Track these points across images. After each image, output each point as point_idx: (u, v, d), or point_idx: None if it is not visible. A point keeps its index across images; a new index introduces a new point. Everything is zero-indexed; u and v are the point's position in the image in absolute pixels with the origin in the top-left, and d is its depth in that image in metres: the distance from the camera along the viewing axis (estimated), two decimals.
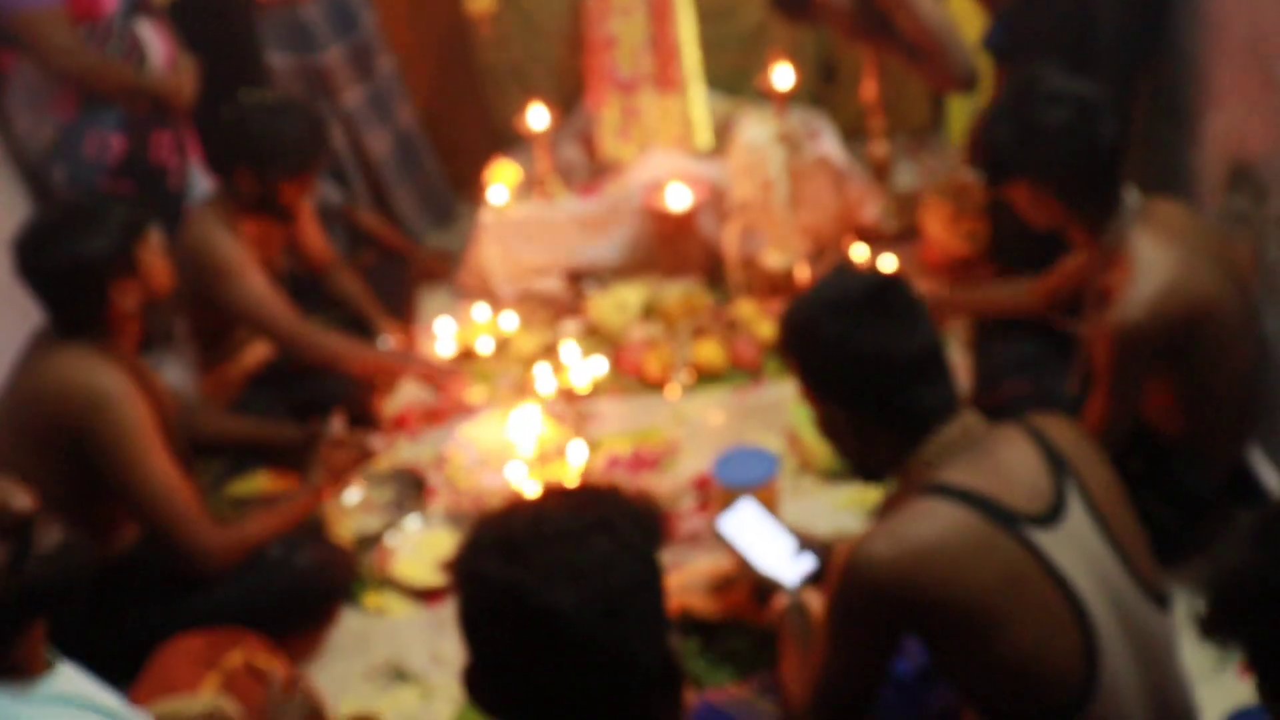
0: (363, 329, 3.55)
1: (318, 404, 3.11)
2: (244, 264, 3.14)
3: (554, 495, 1.38)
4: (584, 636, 1.27)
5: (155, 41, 3.45)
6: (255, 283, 3.16)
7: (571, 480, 3.06)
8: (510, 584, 1.28)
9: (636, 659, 1.29)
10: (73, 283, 2.46)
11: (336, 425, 2.98)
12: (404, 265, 4.12)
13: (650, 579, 1.34)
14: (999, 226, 3.35)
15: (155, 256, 2.57)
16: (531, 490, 1.29)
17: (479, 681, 1.36)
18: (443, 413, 3.53)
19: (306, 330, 3.24)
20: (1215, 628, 1.33)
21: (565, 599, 1.26)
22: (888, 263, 3.65)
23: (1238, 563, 1.30)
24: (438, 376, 3.47)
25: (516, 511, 1.36)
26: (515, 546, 1.30)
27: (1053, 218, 2.41)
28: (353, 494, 3.14)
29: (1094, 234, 2.38)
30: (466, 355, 3.76)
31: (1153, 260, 2.27)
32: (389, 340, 3.55)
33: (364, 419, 3.41)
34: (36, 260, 2.46)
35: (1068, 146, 2.29)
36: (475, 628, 1.34)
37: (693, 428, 3.32)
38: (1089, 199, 2.35)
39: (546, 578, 1.27)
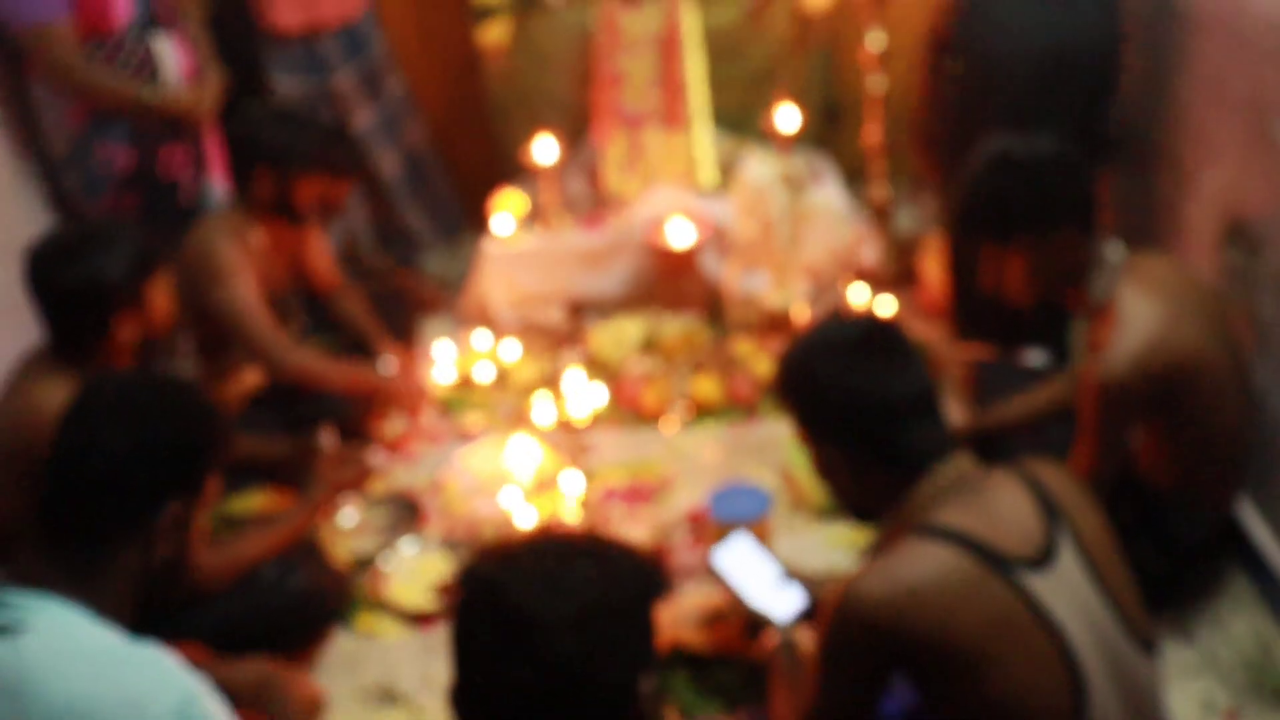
0: (365, 352, 3.56)
1: (314, 423, 3.10)
2: (236, 268, 3.12)
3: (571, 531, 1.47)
4: (549, 643, 1.32)
5: (173, 55, 3.42)
6: (242, 288, 3.13)
7: (569, 511, 3.08)
8: (493, 580, 1.37)
9: (597, 679, 1.33)
10: (80, 304, 2.47)
11: (327, 440, 2.97)
12: (406, 292, 4.13)
13: (630, 612, 1.39)
14: (960, 288, 3.38)
15: (162, 295, 2.58)
16: (528, 519, 1.37)
17: (458, 696, 1.40)
18: (439, 436, 3.53)
19: (282, 343, 3.20)
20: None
21: (538, 603, 1.33)
22: (886, 305, 3.69)
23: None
24: (398, 396, 3.48)
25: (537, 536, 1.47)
26: (512, 554, 1.41)
27: (1057, 273, 2.40)
28: (349, 516, 3.14)
29: (1085, 287, 2.39)
30: (465, 383, 3.77)
31: (1137, 314, 2.30)
32: (391, 362, 3.54)
33: (360, 439, 3.40)
34: (48, 274, 2.48)
35: (1063, 183, 2.34)
36: (458, 625, 1.40)
37: (688, 462, 3.33)
38: (1090, 235, 2.37)
39: (528, 582, 1.35)
